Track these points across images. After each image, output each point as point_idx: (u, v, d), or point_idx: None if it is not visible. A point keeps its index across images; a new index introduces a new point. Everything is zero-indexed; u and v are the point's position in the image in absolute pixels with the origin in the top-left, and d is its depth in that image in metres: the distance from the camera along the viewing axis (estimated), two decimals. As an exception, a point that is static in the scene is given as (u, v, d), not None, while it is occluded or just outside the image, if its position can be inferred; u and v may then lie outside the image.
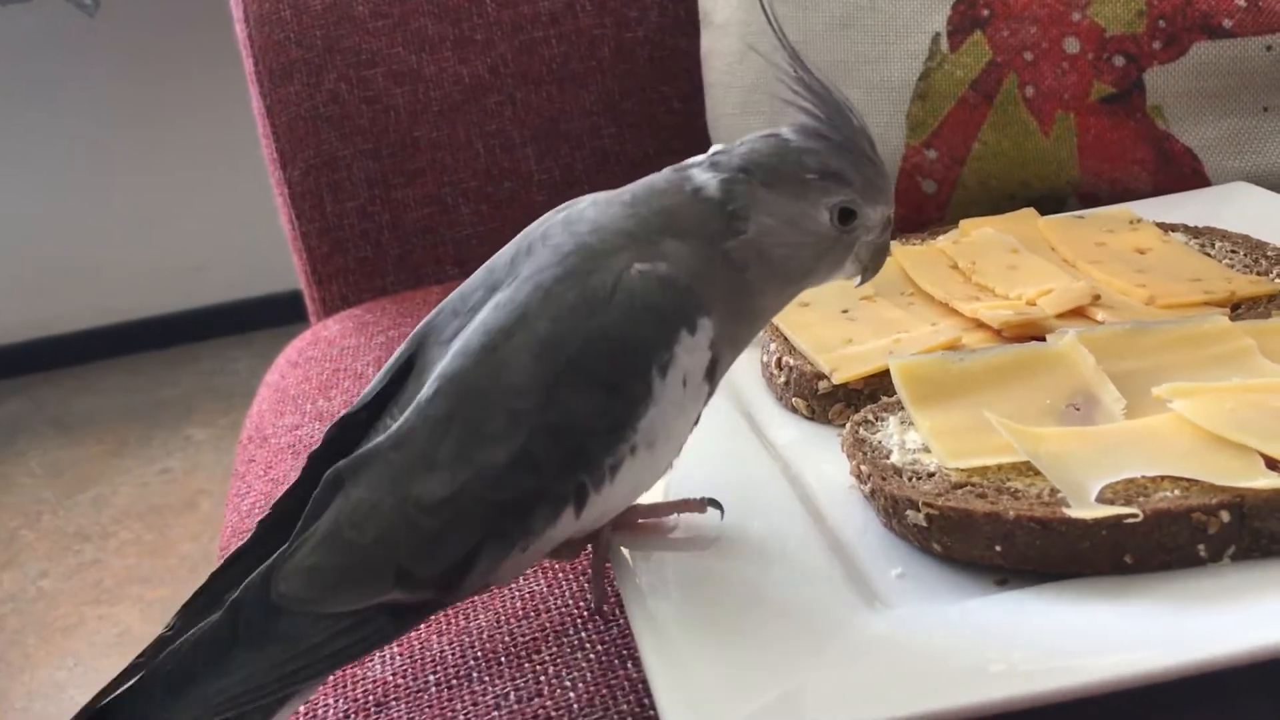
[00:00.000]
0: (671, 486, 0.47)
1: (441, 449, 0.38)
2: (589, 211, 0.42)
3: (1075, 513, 0.39)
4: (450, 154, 0.88)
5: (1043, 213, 0.68)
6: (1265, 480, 0.38)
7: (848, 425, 0.48)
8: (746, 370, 0.57)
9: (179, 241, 2.20)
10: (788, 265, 0.41)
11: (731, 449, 0.50)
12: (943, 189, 0.75)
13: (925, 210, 0.75)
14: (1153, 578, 0.39)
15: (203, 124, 2.07)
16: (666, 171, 0.42)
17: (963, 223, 0.65)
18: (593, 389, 0.38)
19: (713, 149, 0.42)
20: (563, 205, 0.43)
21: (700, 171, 0.41)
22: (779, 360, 0.55)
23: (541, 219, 0.43)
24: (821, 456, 0.49)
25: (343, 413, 0.42)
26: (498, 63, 0.89)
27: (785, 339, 0.56)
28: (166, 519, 1.76)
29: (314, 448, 0.41)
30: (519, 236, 0.43)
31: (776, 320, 0.57)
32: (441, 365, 0.39)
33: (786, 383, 0.54)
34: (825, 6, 0.75)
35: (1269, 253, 0.59)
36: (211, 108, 2.02)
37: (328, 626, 0.37)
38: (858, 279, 0.44)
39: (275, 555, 0.38)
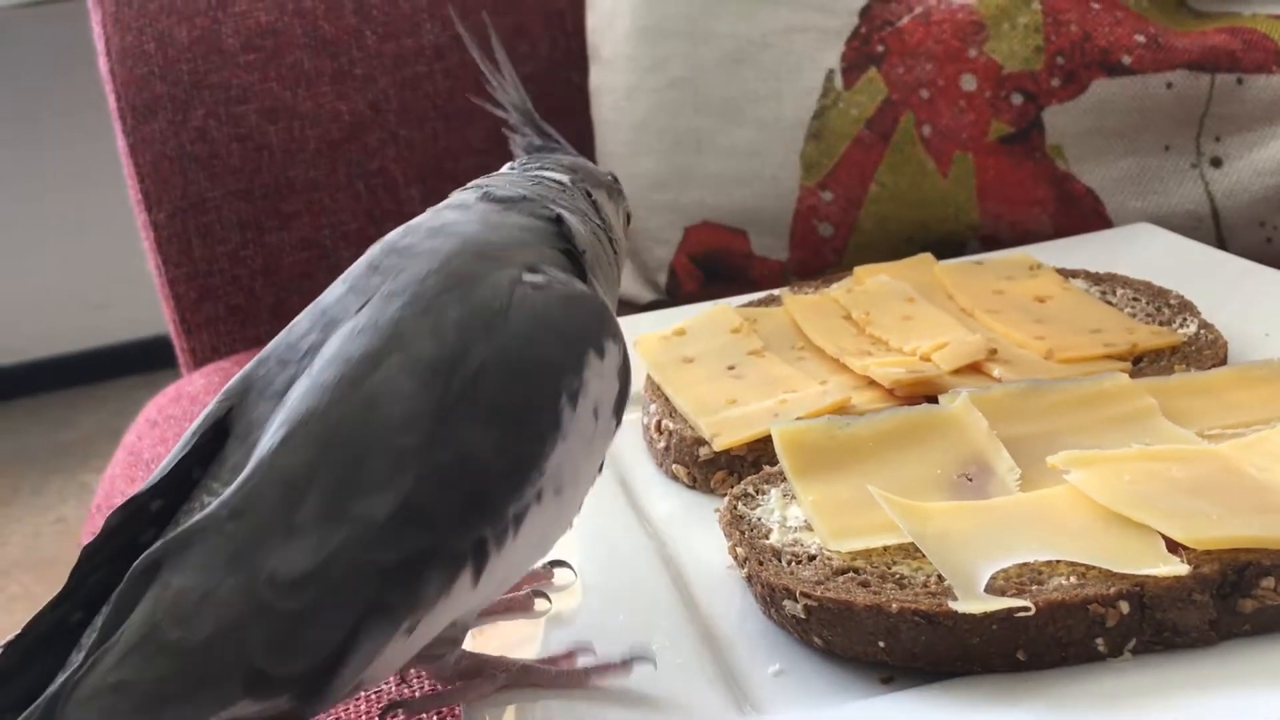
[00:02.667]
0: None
1: (302, 509, 0.30)
2: (451, 216, 0.37)
3: (962, 606, 0.35)
4: (329, 195, 0.83)
5: (943, 256, 0.65)
6: (1166, 566, 0.35)
7: (726, 499, 0.44)
8: (627, 432, 0.53)
9: (78, 279, 2.11)
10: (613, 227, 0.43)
11: (602, 525, 0.46)
12: (840, 232, 0.72)
13: (822, 254, 0.72)
14: (1049, 675, 0.35)
15: (101, 157, 1.99)
16: (469, 190, 0.40)
17: (857, 270, 0.62)
18: (493, 421, 0.32)
19: (511, 164, 0.44)
20: (420, 217, 0.38)
21: (548, 168, 0.42)
22: (659, 423, 0.51)
23: (389, 236, 0.37)
24: (700, 533, 0.45)
25: (127, 498, 0.33)
26: (379, 99, 0.84)
27: (665, 399, 0.52)
28: (60, 572, 1.67)
29: (88, 542, 0.32)
30: (357, 263, 0.36)
31: (657, 378, 0.54)
32: (288, 408, 0.32)
33: (666, 448, 0.50)
34: (716, 42, 0.71)
35: (1171, 300, 0.56)
36: (111, 140, 1.95)
37: None
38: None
39: (57, 682, 0.29)
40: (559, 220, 0.38)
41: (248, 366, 0.35)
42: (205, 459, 0.33)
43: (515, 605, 0.41)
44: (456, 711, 0.39)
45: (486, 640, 0.40)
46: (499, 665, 0.37)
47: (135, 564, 0.31)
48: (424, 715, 0.38)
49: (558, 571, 0.42)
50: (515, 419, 0.33)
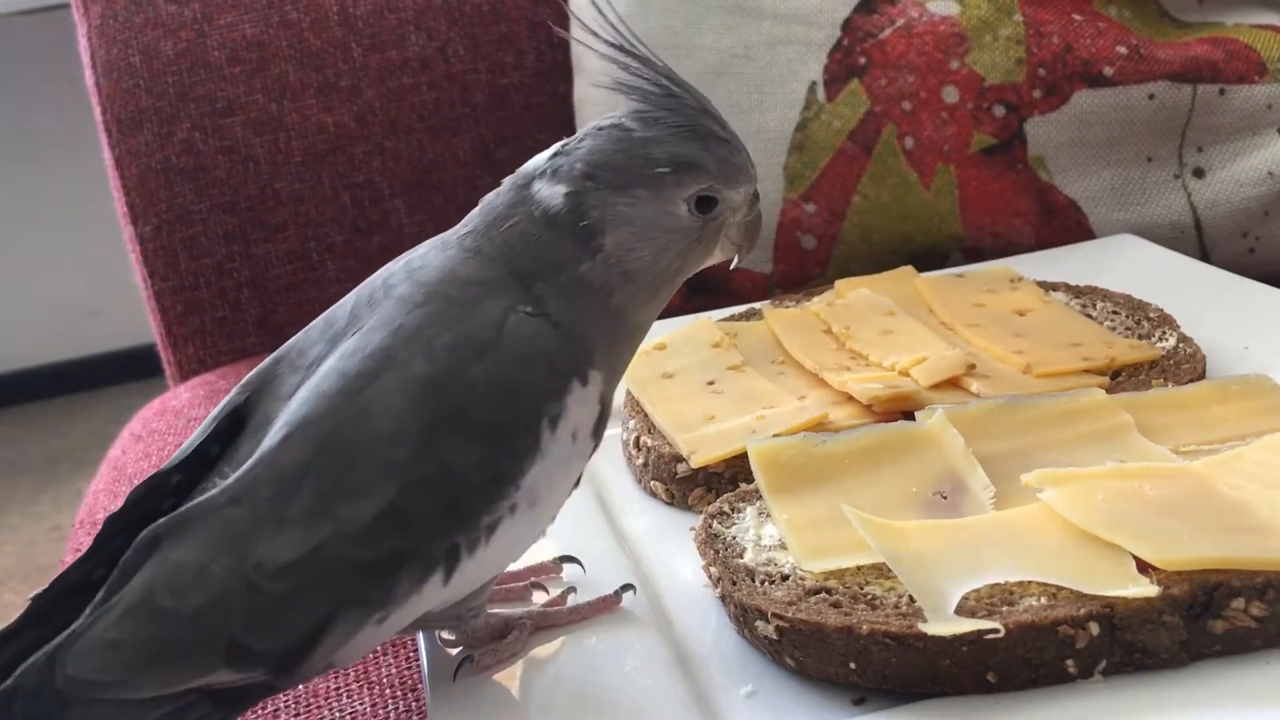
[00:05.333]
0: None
1: (294, 504, 0.33)
2: (432, 257, 0.37)
3: (932, 628, 0.35)
4: (314, 207, 0.83)
5: (926, 267, 0.65)
6: (1136, 588, 0.35)
7: (702, 517, 0.44)
8: (606, 448, 0.53)
9: (71, 287, 2.11)
10: (654, 271, 0.37)
11: (578, 541, 0.46)
12: (823, 244, 0.72)
13: (806, 266, 0.72)
14: (1019, 697, 0.35)
15: (95, 166, 1.99)
16: (506, 186, 0.38)
17: (839, 283, 0.62)
18: (477, 438, 0.34)
19: (553, 148, 0.38)
20: (402, 255, 0.39)
21: (543, 185, 0.36)
22: (637, 439, 0.51)
23: (380, 270, 0.39)
24: (677, 551, 0.45)
25: (154, 472, 0.36)
26: (365, 110, 0.84)
27: (645, 415, 0.52)
28: (52, 580, 1.68)
29: (112, 511, 0.36)
30: (359, 288, 0.38)
31: (636, 394, 0.54)
32: (290, 411, 0.35)
33: (645, 464, 0.50)
34: (699, 54, 0.72)
35: (1151, 314, 0.56)
36: (100, 150, 1.95)
37: (132, 718, 0.32)
38: (735, 259, 0.40)
39: (63, 634, 0.32)
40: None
41: (265, 362, 0.38)
42: (225, 441, 0.36)
43: (514, 596, 0.42)
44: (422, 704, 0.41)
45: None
46: (522, 619, 0.40)
47: (140, 536, 0.33)
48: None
49: (566, 567, 0.44)
50: (497, 438, 0.35)
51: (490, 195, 0.38)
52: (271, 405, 0.36)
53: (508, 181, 0.38)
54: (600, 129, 0.37)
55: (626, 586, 0.42)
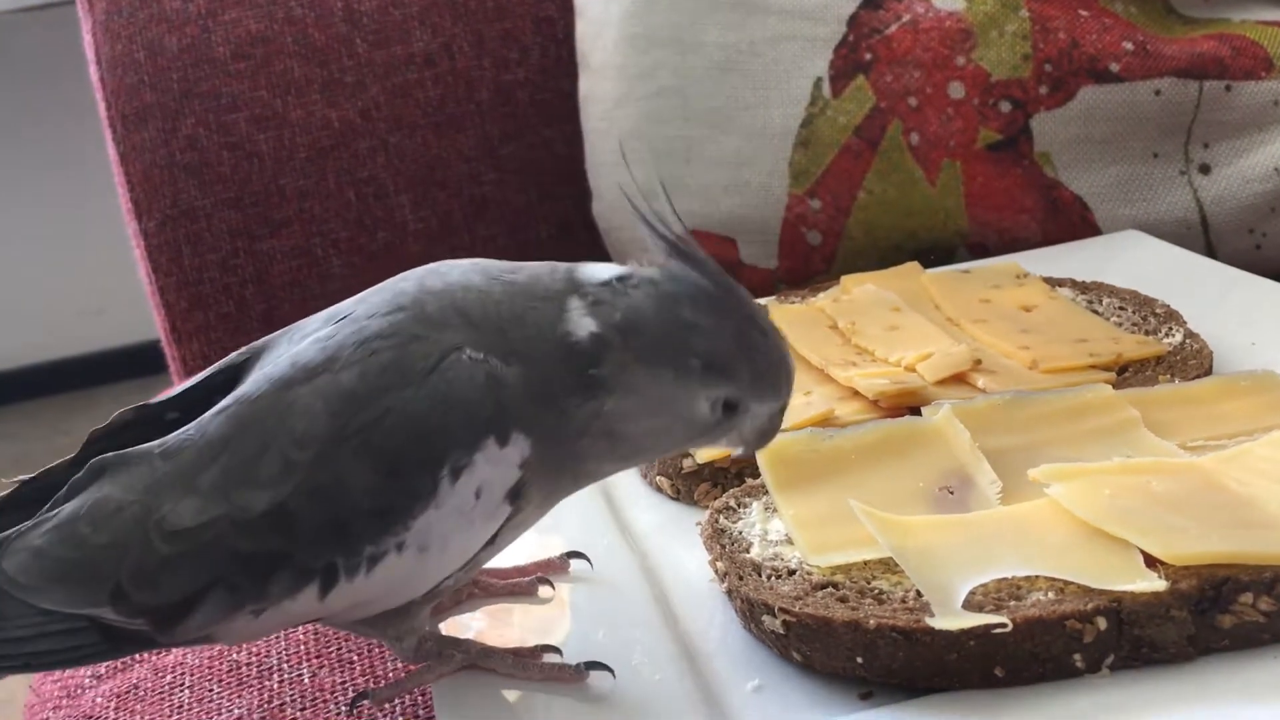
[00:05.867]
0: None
1: (204, 476, 0.35)
2: (458, 274, 0.37)
3: (939, 623, 0.35)
4: (319, 203, 0.83)
5: (932, 264, 0.65)
6: (1144, 582, 0.35)
7: (708, 512, 0.44)
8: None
9: (75, 284, 2.11)
10: (641, 444, 0.36)
11: (583, 540, 0.45)
12: (828, 240, 0.72)
13: (811, 262, 0.72)
14: (1026, 692, 0.35)
15: (99, 162, 1.99)
16: (563, 272, 0.36)
17: (844, 279, 0.62)
18: (373, 466, 0.34)
19: (616, 271, 0.36)
20: (456, 262, 0.38)
21: (581, 308, 0.35)
22: (643, 435, 0.51)
23: (427, 266, 0.38)
24: (683, 546, 0.45)
25: (143, 403, 0.38)
26: (369, 106, 0.84)
27: (650, 411, 0.52)
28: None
29: (96, 427, 0.38)
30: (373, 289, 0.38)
31: (642, 390, 0.54)
32: (246, 383, 0.37)
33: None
34: (704, 51, 0.71)
35: (1157, 310, 0.56)
36: (103, 146, 1.95)
37: (35, 623, 0.35)
38: (738, 450, 0.38)
39: (13, 530, 0.36)
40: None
41: (270, 335, 0.39)
42: (222, 391, 0.37)
43: (519, 590, 0.42)
44: (429, 698, 0.40)
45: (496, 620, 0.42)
46: (459, 647, 0.39)
47: (92, 461, 0.36)
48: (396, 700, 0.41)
49: (574, 563, 0.44)
50: (394, 472, 0.34)
51: (548, 265, 0.37)
52: (254, 371, 0.38)
53: (565, 268, 0.36)
54: (655, 285, 0.35)
55: (597, 668, 0.38)
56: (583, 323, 0.34)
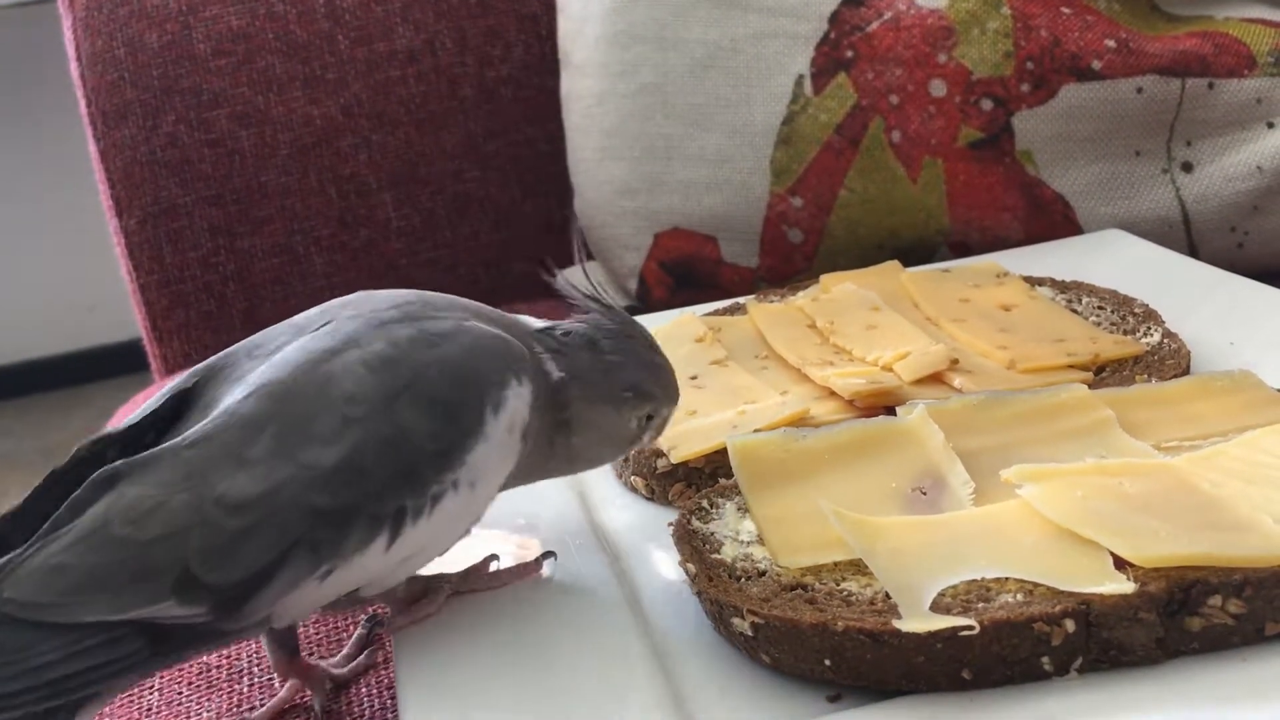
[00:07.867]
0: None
1: (255, 446, 0.35)
2: (450, 300, 0.41)
3: (907, 625, 0.35)
4: (300, 200, 0.83)
5: (913, 262, 0.65)
6: (1113, 585, 0.35)
7: (680, 513, 0.44)
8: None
9: (67, 281, 2.11)
10: (590, 460, 0.44)
11: (559, 540, 0.45)
12: (810, 238, 0.71)
13: (792, 261, 0.72)
14: (994, 694, 0.35)
15: (86, 160, 1.99)
16: (533, 326, 0.42)
17: (824, 278, 0.61)
18: (429, 411, 0.37)
19: (539, 324, 0.42)
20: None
21: (544, 356, 0.41)
22: (618, 434, 0.51)
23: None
24: (656, 547, 0.45)
25: (101, 432, 0.37)
26: (351, 103, 0.84)
27: (626, 410, 0.52)
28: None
29: (58, 465, 0.37)
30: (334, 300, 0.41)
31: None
32: (248, 382, 0.37)
33: (625, 459, 0.50)
34: (685, 48, 0.71)
35: (1136, 309, 0.56)
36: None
37: (62, 644, 0.33)
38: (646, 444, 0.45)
39: (2, 559, 0.33)
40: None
41: (216, 355, 0.40)
42: (161, 428, 0.38)
43: (527, 570, 0.43)
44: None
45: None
46: (442, 579, 0.42)
47: (95, 474, 0.34)
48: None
49: (546, 563, 0.44)
50: (448, 414, 0.37)
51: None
52: (221, 388, 0.38)
53: (538, 325, 0.42)
54: (583, 342, 0.42)
55: (548, 554, 0.43)
56: (550, 366, 0.41)
